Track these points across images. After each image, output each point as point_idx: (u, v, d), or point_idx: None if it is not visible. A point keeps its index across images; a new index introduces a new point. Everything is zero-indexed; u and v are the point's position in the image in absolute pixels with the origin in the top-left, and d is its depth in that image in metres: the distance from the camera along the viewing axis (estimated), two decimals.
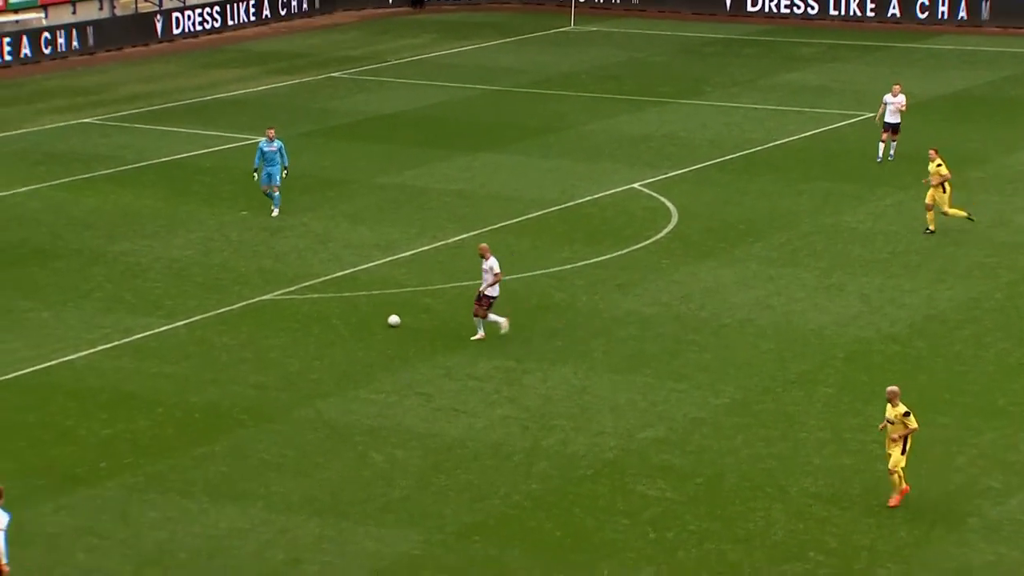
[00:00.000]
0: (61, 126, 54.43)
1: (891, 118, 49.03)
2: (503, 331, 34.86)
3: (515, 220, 44.08)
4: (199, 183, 47.62)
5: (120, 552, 26.33)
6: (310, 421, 31.38)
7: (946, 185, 41.97)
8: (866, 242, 42.57)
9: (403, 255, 41.27)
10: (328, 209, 45.02)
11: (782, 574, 26.06)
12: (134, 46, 68.02)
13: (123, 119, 55.65)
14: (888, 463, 27.47)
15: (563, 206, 45.26)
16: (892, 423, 27.37)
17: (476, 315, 35.14)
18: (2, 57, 63.90)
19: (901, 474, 27.45)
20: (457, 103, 58.83)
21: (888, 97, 49.03)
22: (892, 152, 49.06)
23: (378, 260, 40.83)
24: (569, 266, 40.18)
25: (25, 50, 64.65)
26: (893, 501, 27.56)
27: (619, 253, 41.21)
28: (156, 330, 36.00)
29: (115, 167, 48.77)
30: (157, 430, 30.90)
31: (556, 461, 29.83)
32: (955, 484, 28.96)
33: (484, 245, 35.62)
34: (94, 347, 34.79)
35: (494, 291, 35.04)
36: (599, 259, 40.71)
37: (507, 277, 36.26)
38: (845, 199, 46.40)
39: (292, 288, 38.79)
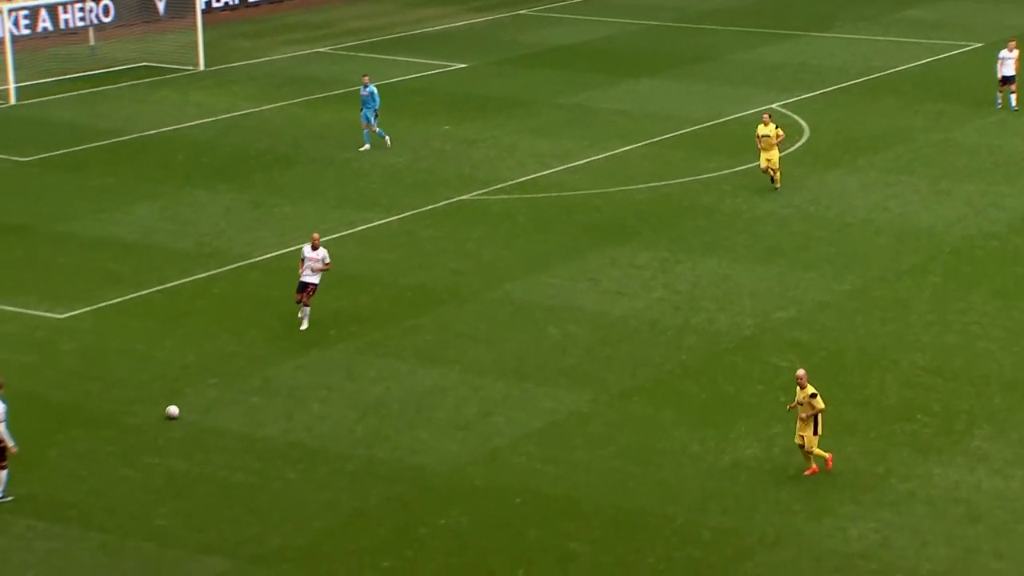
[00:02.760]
0: (299, 55, 54.94)
1: (1006, 71, 46.04)
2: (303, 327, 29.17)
3: (670, 135, 43.66)
4: (410, 102, 47.80)
5: (346, 403, 26.81)
6: (499, 300, 31.54)
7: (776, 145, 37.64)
8: (971, 154, 41.66)
9: (577, 163, 41.11)
10: (515, 125, 44.95)
11: (892, 432, 25.76)
12: None
13: (348, 49, 55.99)
14: (804, 443, 23.89)
15: (711, 123, 44.70)
16: (801, 404, 23.87)
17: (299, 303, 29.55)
18: None
19: (817, 452, 24.00)
20: (623, 36, 58.21)
21: (1004, 52, 46.22)
22: (1013, 102, 45.94)
23: (556, 167, 40.72)
24: (716, 174, 39.73)
25: None
26: (812, 470, 24.07)
27: (758, 163, 40.65)
28: (375, 223, 36.37)
29: (342, 89, 49.13)
30: (375, 305, 31.30)
31: (702, 336, 29.68)
32: None
33: (316, 235, 30.07)
34: (326, 236, 35.18)
35: (316, 279, 29.45)
36: (741, 168, 40.19)
37: (665, 182, 36.00)
38: (954, 118, 45.35)
39: (485, 190, 38.88)
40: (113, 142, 43.17)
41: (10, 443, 22.89)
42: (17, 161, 41.32)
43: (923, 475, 24.42)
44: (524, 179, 39.77)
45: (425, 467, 24.56)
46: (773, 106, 46.60)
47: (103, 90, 49.13)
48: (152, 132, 44.23)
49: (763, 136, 37.42)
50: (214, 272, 33.08)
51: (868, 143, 42.87)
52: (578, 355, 28.82)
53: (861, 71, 51.46)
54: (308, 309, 29.44)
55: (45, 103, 47.35)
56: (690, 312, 30.81)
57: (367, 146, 41.87)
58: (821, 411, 23.95)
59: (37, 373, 27.69)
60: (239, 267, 33.45)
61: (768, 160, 37.49)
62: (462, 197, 38.35)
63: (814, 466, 24.03)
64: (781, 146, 38.48)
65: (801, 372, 24.21)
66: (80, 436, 25.37)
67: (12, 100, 47.22)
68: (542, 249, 34.57)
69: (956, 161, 41.28)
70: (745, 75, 51.22)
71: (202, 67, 52.06)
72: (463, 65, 53.03)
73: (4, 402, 23.01)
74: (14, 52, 48.18)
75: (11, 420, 25.76)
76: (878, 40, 56.58)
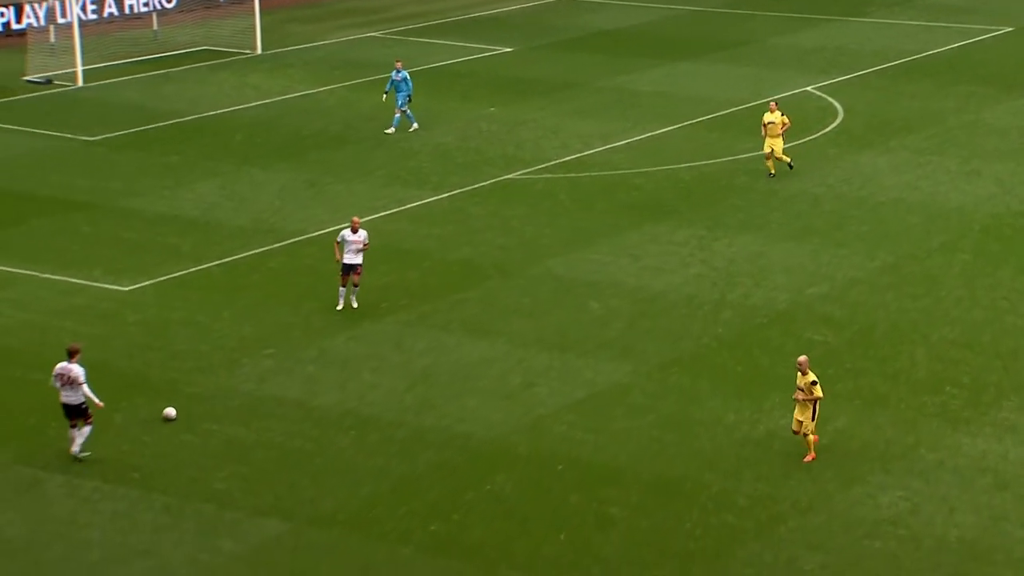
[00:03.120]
0: (352, 39, 55.01)
1: None
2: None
3: (708, 116, 43.47)
4: (458, 84, 47.81)
5: (396, 372, 26.94)
6: (542, 275, 31.57)
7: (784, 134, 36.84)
8: (1001, 135, 41.26)
9: (618, 143, 41.01)
10: (559, 106, 44.87)
11: (922, 404, 25.65)
12: None
13: (399, 34, 56.01)
14: (801, 428, 23.37)
15: (748, 105, 44.44)
16: (802, 390, 23.30)
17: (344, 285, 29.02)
18: None
19: (812, 438, 23.45)
20: (663, 21, 57.93)
21: None
22: None
23: (598, 147, 40.65)
24: (752, 154, 39.53)
25: None
26: (808, 457, 23.51)
27: (794, 144, 40.40)
28: (424, 200, 36.44)
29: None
30: (424, 279, 31.40)
31: (738, 311, 29.61)
32: None
33: (356, 218, 29.56)
34: (376, 213, 35.39)
35: (359, 259, 28.98)
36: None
37: (703, 163, 35.90)
38: (985, 100, 44.90)
39: (529, 169, 38.86)
40: (175, 122, 43.42)
41: (97, 400, 23.29)
42: (85, 140, 41.65)
43: (952, 445, 24.32)
44: (567, 159, 39.72)
45: (471, 435, 24.66)
46: (809, 88, 46.32)
47: (165, 73, 49.39)
48: (212, 113, 44.45)
49: (769, 123, 36.84)
50: (270, 247, 33.27)
51: (901, 124, 42.54)
52: (618, 328, 28.83)
53: (895, 54, 51.04)
54: (357, 289, 29.23)
55: (111, 85, 47.66)
56: (726, 287, 30.74)
57: (393, 128, 41.56)
58: (819, 399, 23.28)
59: (104, 343, 27.98)
60: (294, 242, 33.62)
61: (772, 147, 36.87)
62: (507, 176, 38.35)
63: (812, 453, 23.48)
64: (809, 128, 38.25)
65: (802, 358, 23.57)
66: (143, 403, 25.62)
67: (80, 82, 47.56)
68: (584, 226, 34.54)
69: (986, 142, 40.89)
70: (782, 59, 50.90)
71: (259, 51, 52.23)
72: (509, 49, 52.97)
73: (82, 366, 23.32)
74: (82, 36, 48.50)
75: None
76: (912, 24, 56.09)
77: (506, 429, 24.83)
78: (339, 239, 29.28)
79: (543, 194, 36.92)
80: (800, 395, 23.33)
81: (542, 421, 25.10)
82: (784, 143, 37.44)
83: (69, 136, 41.92)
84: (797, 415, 23.52)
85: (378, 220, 34.96)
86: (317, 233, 34.18)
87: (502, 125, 43.00)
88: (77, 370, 23.21)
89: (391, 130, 41.55)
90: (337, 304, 29.39)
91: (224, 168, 39.04)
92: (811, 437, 23.48)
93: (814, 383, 23.28)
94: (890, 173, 38.28)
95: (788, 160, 37.26)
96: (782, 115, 36.86)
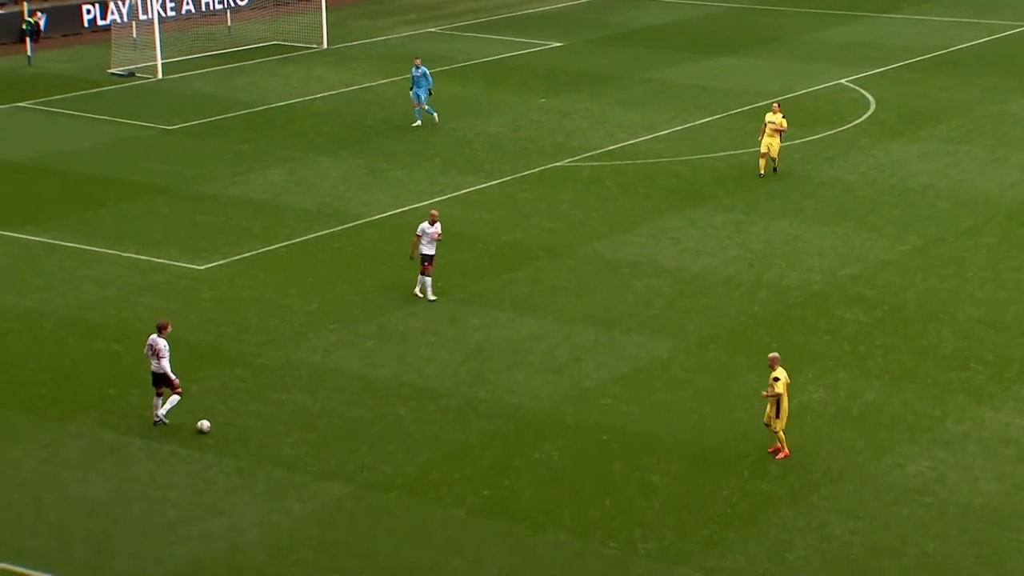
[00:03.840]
0: (411, 34, 54.92)
1: None
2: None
3: (746, 107, 43.08)
4: (510, 77, 47.63)
5: (451, 347, 26.90)
6: (588, 257, 31.41)
7: (781, 135, 35.71)
8: None
9: (661, 133, 40.73)
10: (605, 97, 44.62)
11: (948, 379, 25.34)
12: None
13: (455, 29, 55.87)
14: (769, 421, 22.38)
15: (784, 97, 44.01)
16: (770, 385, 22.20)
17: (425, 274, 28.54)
18: None
19: (780, 436, 22.30)
20: (704, 18, 57.46)
21: None
22: None
23: (642, 136, 40.38)
24: (788, 143, 39.12)
25: None
26: (781, 454, 22.44)
27: (828, 133, 40.04)
28: (477, 187, 36.34)
29: (449, 65, 49.09)
30: (477, 260, 31.31)
31: (774, 291, 29.34)
32: None
33: (435, 211, 28.95)
34: (433, 198, 35.33)
35: (432, 249, 28.43)
36: (812, 138, 39.57)
37: (741, 151, 35.53)
38: (1010, 91, 44.30)
39: (577, 157, 38.67)
40: (247, 112, 43.52)
41: (172, 376, 23.45)
42: (164, 129, 41.85)
43: (976, 418, 24.00)
44: (613, 147, 39.48)
45: (521, 406, 24.58)
46: (842, 81, 45.83)
47: (238, 66, 49.51)
48: (281, 104, 44.53)
49: (769, 123, 35.60)
50: (334, 229, 33.29)
51: (930, 115, 42.02)
52: (660, 307, 28.63)
53: (924, 49, 50.40)
54: (430, 279, 28.53)
55: (188, 78, 47.85)
56: (763, 269, 30.46)
57: (419, 122, 41.04)
58: (779, 396, 21.96)
59: (180, 318, 28.09)
60: (356, 225, 33.63)
61: (769, 147, 35.50)
62: (556, 164, 38.17)
63: (780, 448, 22.33)
64: (843, 119, 37.76)
65: (773, 355, 22.32)
66: (216, 374, 25.72)
67: (159, 75, 47.78)
68: (628, 211, 34.34)
69: (1011, 132, 40.33)
70: (816, 53, 50.37)
71: (325, 45, 52.26)
72: (559, 44, 52.71)
73: (168, 341, 23.55)
74: (162, 32, 48.71)
75: None
76: (940, 20, 55.36)
77: (554, 401, 24.73)
78: (419, 231, 28.42)
79: (589, 180, 36.73)
80: (768, 392, 22.24)
81: (588, 393, 24.98)
82: (780, 144, 35.77)
83: (150, 125, 42.13)
84: (768, 410, 22.40)
85: (434, 205, 34.89)
86: (378, 216, 34.17)
87: (552, 115, 42.80)
88: (161, 344, 23.47)
89: (417, 123, 41.04)
90: (427, 295, 28.53)
91: (292, 155, 39.10)
92: (781, 435, 22.28)
93: (775, 379, 22.00)
94: (919, 161, 37.81)
95: (775, 164, 35.79)
96: (782, 116, 35.63)
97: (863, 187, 35.80)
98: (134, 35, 51.29)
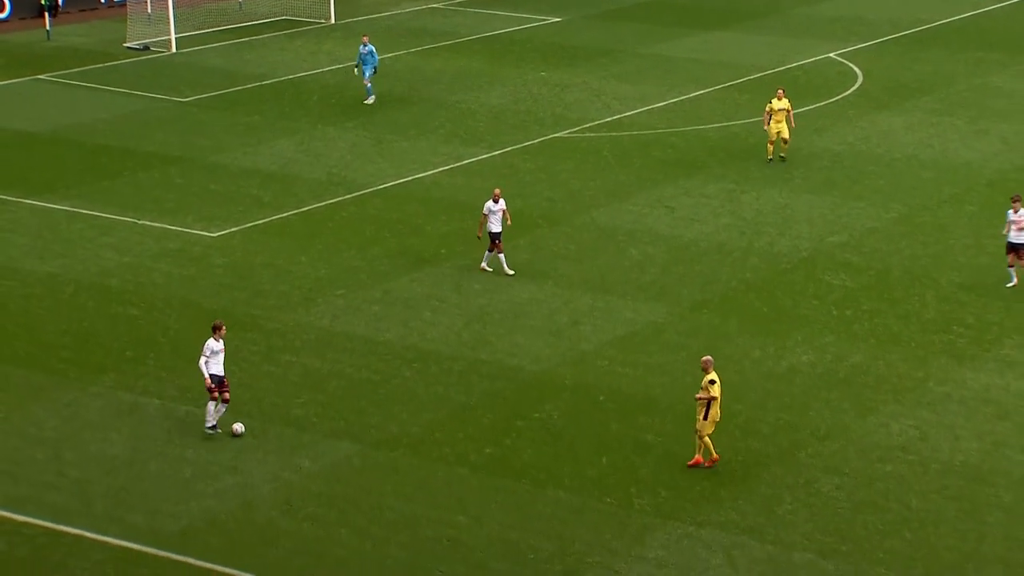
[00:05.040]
0: (416, 10, 54.63)
1: None
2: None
3: (738, 80, 42.90)
4: (511, 51, 47.41)
5: (454, 311, 26.88)
6: (586, 225, 31.35)
7: (791, 119, 34.37)
8: (1007, 97, 40.57)
9: (656, 105, 40.57)
10: (602, 71, 44.42)
11: (931, 342, 25.34)
12: None
13: (459, 5, 55.54)
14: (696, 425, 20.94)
15: (775, 70, 43.83)
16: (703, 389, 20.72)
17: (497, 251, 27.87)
18: None
19: (706, 443, 20.85)
20: None
21: None
22: None
23: (637, 109, 40.23)
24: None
25: None
26: (708, 462, 20.97)
27: (817, 105, 39.89)
28: (479, 157, 36.23)
29: (453, 40, 48.86)
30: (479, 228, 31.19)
31: (764, 257, 29.30)
32: None
33: (498, 190, 28.19)
34: (437, 168, 35.24)
35: (499, 226, 27.85)
36: (801, 109, 39.39)
37: (732, 123, 35.36)
38: (992, 64, 44.10)
39: (575, 128, 38.54)
40: (257, 85, 43.33)
41: (206, 374, 21.72)
42: (177, 101, 41.68)
43: (958, 379, 24.02)
44: (609, 119, 39.34)
45: (522, 368, 24.59)
46: (831, 55, 45.60)
47: (249, 40, 49.27)
48: (290, 77, 44.35)
49: (778, 110, 33.99)
50: (342, 198, 33.21)
51: (915, 87, 41.84)
52: (654, 273, 28.60)
53: (909, 23, 50.15)
54: (503, 255, 27.75)
55: (201, 52, 47.63)
56: (753, 236, 30.40)
57: (371, 98, 39.91)
58: (713, 399, 20.49)
59: (194, 283, 28.09)
60: (363, 194, 33.55)
61: (779, 132, 34.06)
62: (555, 135, 38.04)
63: (698, 456, 20.89)
64: (831, 91, 37.58)
65: (706, 358, 20.92)
66: (229, 337, 25.54)
67: (173, 49, 47.56)
68: (624, 180, 34.25)
69: (993, 103, 40.17)
70: (806, 27, 50.11)
71: (333, 20, 52.00)
72: (558, 19, 52.44)
73: (216, 342, 21.92)
74: (175, 8, 48.46)
75: (173, 324, 26.26)
76: None
77: (553, 363, 24.73)
78: (485, 211, 27.70)
79: (587, 151, 36.61)
80: (701, 394, 20.73)
81: (585, 356, 24.98)
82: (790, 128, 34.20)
83: (164, 97, 41.96)
84: (698, 413, 20.84)
85: (439, 175, 34.80)
86: (383, 186, 34.09)
87: (551, 88, 42.62)
88: (206, 343, 21.74)
89: (370, 100, 39.87)
90: (488, 267, 27.89)
91: (301, 127, 38.96)
92: (707, 441, 20.77)
93: (712, 382, 20.60)
94: (905, 132, 37.68)
95: (784, 151, 34.27)
96: (788, 102, 34.20)
97: (850, 157, 35.69)
98: (149, 10, 51.02)
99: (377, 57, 40.28)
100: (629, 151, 36.53)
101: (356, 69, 40.63)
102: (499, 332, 25.92)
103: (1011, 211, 27.24)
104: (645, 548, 19.27)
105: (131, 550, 19.25)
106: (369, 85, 40.05)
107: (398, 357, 25.01)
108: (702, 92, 41.66)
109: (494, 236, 27.98)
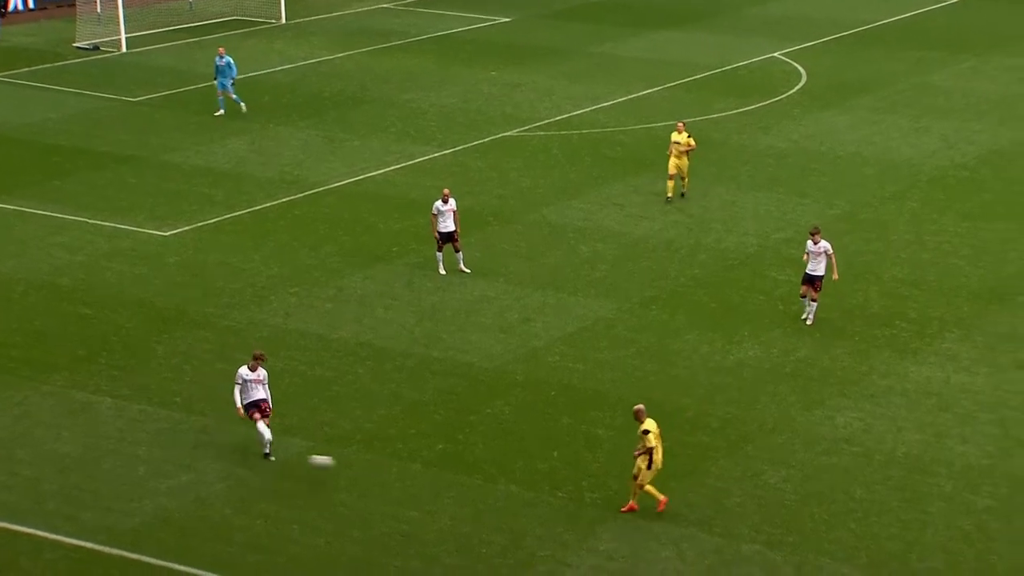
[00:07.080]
0: (367, 9, 54.42)
1: None
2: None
3: (685, 80, 43.10)
4: (462, 51, 47.37)
5: (406, 308, 26.84)
6: (537, 222, 31.39)
7: (689, 154, 31.88)
8: (947, 96, 41.01)
9: (604, 104, 40.69)
10: (551, 71, 44.46)
11: (874, 336, 25.60)
12: None
13: (410, 4, 55.38)
14: (638, 475, 19.70)
15: (721, 70, 44.09)
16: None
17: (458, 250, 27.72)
18: None
19: (648, 489, 19.74)
20: None
21: None
22: None
23: (587, 107, 40.32)
24: (724, 114, 39.25)
25: None
26: (627, 507, 19.84)
27: (762, 104, 40.16)
28: (431, 156, 36.18)
29: (404, 39, 48.75)
30: (431, 226, 31.13)
31: (712, 253, 29.48)
32: (1007, 273, 27.96)
33: (447, 190, 28.02)
34: (389, 167, 35.15)
35: (453, 226, 27.69)
36: (747, 108, 39.68)
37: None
38: (932, 63, 44.58)
39: (525, 127, 38.57)
40: (208, 85, 42.97)
41: (238, 403, 21.09)
42: (128, 101, 41.29)
43: (900, 372, 24.29)
44: (559, 118, 39.41)
45: (473, 364, 24.60)
46: (775, 54, 45.93)
47: (200, 40, 48.89)
48: (242, 77, 44.01)
49: (675, 143, 31.60)
50: (294, 197, 33.05)
51: (857, 86, 42.22)
52: (604, 269, 28.70)
53: (852, 23, 50.60)
54: (460, 254, 27.63)
55: (151, 52, 47.20)
56: (701, 233, 30.57)
57: (222, 111, 38.39)
58: (651, 449, 19.44)
59: (146, 282, 27.85)
60: (315, 192, 33.41)
61: (678, 167, 31.76)
62: (506, 133, 38.06)
63: (632, 502, 19.75)
64: (776, 91, 37.84)
65: (639, 407, 19.79)
66: (182, 336, 25.54)
67: (123, 49, 47.10)
68: (574, 178, 34.32)
69: (933, 102, 40.62)
70: (751, 27, 50.42)
71: (284, 21, 51.71)
72: (508, 19, 52.45)
73: (256, 370, 21.18)
74: (125, 8, 47.99)
75: (125, 323, 26.03)
76: None
77: (505, 359, 24.76)
78: (434, 211, 27.53)
79: (537, 149, 36.66)
80: (638, 448, 19.59)
81: (537, 352, 25.03)
82: (688, 163, 32.01)
83: (114, 97, 41.55)
84: (638, 462, 19.66)
85: (390, 173, 34.72)
86: (336, 184, 33.96)
87: (501, 88, 42.63)
88: (238, 371, 21.07)
89: (220, 112, 38.35)
90: (438, 269, 27.72)
91: (252, 126, 38.71)
92: (649, 488, 19.63)
93: (645, 432, 19.49)
94: (847, 130, 38.02)
95: (685, 187, 31.95)
96: (688, 136, 31.60)
97: (795, 155, 35.97)
98: (98, 11, 50.49)
99: (235, 69, 38.76)
100: (579, 149, 36.61)
101: (216, 81, 38.80)
102: (451, 329, 25.90)
103: (810, 242, 25.22)
104: (596, 540, 19.34)
105: (84, 548, 19.08)
106: (235, 96, 38.55)
107: (351, 354, 24.94)
108: (650, 91, 41.83)
109: (446, 236, 27.91)
